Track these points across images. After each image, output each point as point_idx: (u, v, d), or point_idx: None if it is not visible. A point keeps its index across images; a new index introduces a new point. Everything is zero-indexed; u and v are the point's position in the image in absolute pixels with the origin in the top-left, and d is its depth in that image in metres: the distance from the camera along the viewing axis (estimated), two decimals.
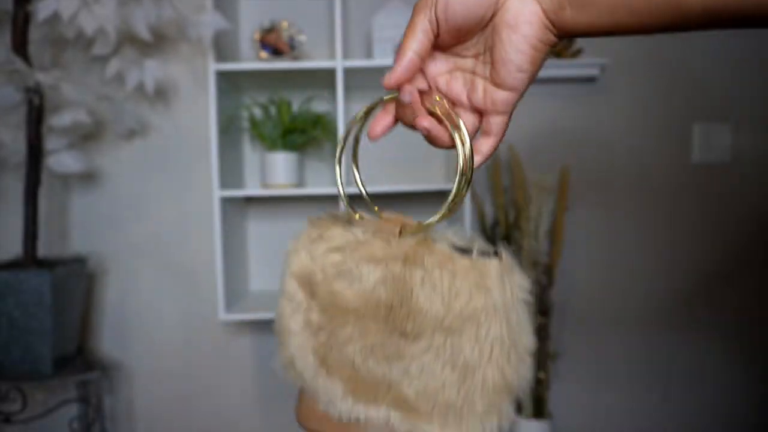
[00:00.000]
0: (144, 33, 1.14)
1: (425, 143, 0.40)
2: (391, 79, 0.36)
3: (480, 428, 0.35)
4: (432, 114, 0.37)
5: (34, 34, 1.17)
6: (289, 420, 1.49)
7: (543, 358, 1.39)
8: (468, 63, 0.37)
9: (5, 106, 1.16)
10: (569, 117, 1.46)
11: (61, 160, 1.22)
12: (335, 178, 0.43)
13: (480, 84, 0.37)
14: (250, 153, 1.45)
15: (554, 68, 1.38)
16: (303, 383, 0.42)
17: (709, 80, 1.46)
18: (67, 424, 1.29)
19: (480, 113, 0.38)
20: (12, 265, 1.17)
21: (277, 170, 1.28)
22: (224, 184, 1.24)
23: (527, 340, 0.36)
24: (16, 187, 1.37)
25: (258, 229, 1.46)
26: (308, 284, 0.40)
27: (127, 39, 1.31)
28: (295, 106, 1.38)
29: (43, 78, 1.09)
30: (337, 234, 0.39)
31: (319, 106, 1.41)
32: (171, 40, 1.40)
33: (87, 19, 1.05)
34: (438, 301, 0.35)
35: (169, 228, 1.44)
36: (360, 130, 0.43)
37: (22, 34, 1.11)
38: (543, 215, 1.38)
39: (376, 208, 0.41)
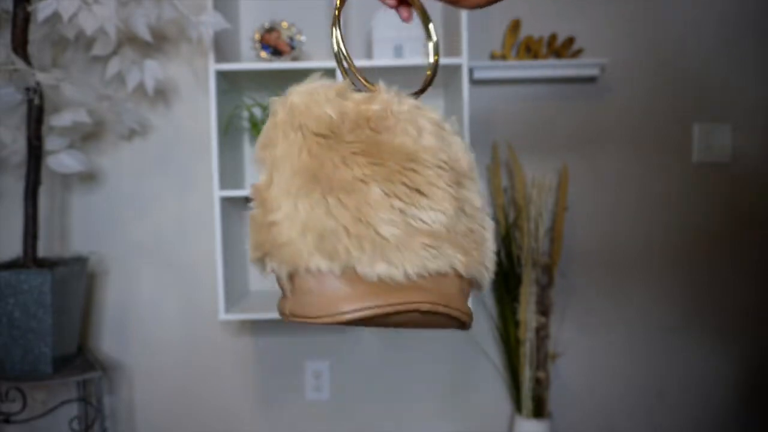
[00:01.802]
0: (144, 33, 1.14)
1: None
2: None
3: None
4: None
5: (35, 34, 1.17)
6: (289, 420, 1.49)
7: (543, 358, 1.39)
8: None
9: (5, 106, 1.16)
10: (569, 117, 1.46)
11: (61, 160, 1.22)
12: (332, 46, 0.46)
13: None
14: (250, 153, 1.45)
15: (554, 68, 1.38)
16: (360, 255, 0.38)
17: (709, 80, 1.46)
18: (68, 424, 1.29)
19: None
20: (12, 265, 1.17)
21: None
22: (224, 184, 1.24)
23: None
24: (16, 187, 1.37)
25: None
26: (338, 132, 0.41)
27: (127, 39, 1.31)
28: None
29: (43, 78, 1.09)
30: (361, 95, 0.43)
31: None
32: (171, 40, 1.41)
33: (87, 19, 1.05)
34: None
35: (169, 228, 1.44)
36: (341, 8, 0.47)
37: (22, 34, 1.11)
38: (543, 215, 1.38)
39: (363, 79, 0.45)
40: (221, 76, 1.23)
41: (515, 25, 1.40)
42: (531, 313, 1.36)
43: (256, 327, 1.47)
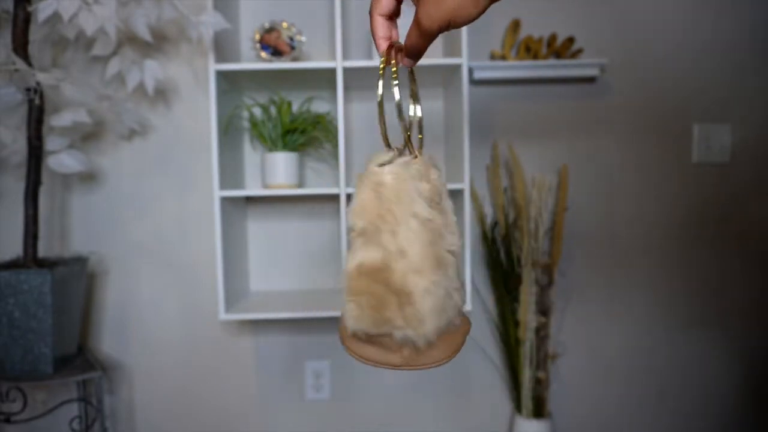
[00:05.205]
0: (144, 33, 1.14)
1: None
2: (381, 49, 0.48)
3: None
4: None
5: (35, 34, 1.17)
6: (289, 420, 1.49)
7: (543, 358, 1.39)
8: None
9: (6, 106, 1.16)
10: (569, 117, 1.46)
11: (61, 160, 1.22)
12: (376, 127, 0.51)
13: None
14: (250, 153, 1.45)
15: (554, 68, 1.38)
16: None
17: (709, 80, 1.46)
18: (68, 424, 1.29)
19: None
20: (12, 265, 1.17)
21: (277, 170, 1.28)
22: (224, 184, 1.24)
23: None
24: (16, 187, 1.37)
25: (258, 229, 1.46)
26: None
27: (127, 39, 1.31)
28: (295, 106, 1.39)
29: (43, 78, 1.09)
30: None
31: (319, 106, 1.41)
32: (171, 40, 1.41)
33: (87, 19, 1.05)
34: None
35: (169, 228, 1.44)
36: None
37: (22, 35, 1.11)
38: (543, 215, 1.38)
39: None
40: (221, 76, 1.23)
41: (515, 25, 1.40)
42: (531, 313, 1.37)
43: (256, 327, 1.47)
